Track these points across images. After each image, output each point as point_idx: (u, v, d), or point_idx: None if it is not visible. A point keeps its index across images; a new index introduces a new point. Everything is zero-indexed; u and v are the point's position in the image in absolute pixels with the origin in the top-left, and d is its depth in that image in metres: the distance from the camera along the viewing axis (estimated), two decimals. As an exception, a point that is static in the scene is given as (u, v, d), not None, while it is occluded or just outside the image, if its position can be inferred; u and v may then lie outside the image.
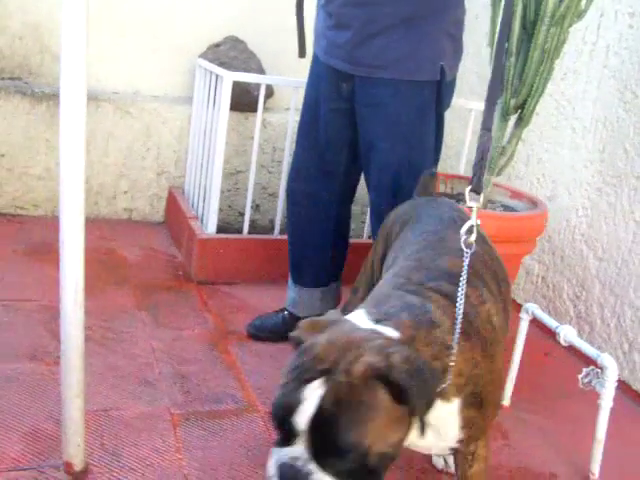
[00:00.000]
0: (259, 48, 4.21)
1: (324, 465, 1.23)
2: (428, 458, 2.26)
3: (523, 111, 2.91)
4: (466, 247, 1.60)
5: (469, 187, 1.75)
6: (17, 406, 2.26)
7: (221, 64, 3.82)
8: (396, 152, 2.52)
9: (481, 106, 3.58)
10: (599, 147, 3.18)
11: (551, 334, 2.48)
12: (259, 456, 2.18)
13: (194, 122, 3.98)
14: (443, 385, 1.39)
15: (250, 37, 4.21)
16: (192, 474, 2.05)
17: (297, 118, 2.92)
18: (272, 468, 1.26)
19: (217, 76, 3.48)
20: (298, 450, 1.24)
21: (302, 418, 1.23)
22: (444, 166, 3.99)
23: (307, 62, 2.79)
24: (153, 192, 4.16)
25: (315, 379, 1.24)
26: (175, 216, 3.94)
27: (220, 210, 3.69)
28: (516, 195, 3.19)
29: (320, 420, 1.22)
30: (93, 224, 3.98)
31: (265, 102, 4.18)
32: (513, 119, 2.96)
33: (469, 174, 2.01)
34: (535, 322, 2.59)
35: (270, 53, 4.21)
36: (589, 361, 2.29)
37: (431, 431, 1.40)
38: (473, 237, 1.63)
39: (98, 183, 4.03)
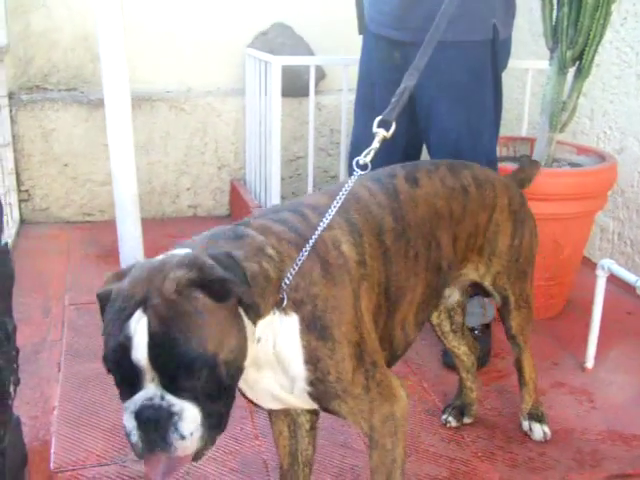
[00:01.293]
0: (306, 32, 4.17)
1: (179, 393, 1.19)
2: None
3: (581, 62, 2.78)
4: (357, 167, 1.60)
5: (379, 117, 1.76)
6: (97, 404, 2.31)
7: (270, 51, 3.80)
8: (454, 115, 2.45)
9: (537, 64, 3.48)
10: (667, 91, 3.02)
11: (632, 291, 2.37)
12: (339, 437, 2.16)
13: (248, 112, 3.98)
14: (281, 297, 1.31)
15: (297, 22, 4.17)
16: (271, 459, 2.05)
17: (350, 98, 2.88)
18: (129, 420, 1.20)
19: (266, 63, 3.46)
20: (149, 390, 1.19)
21: (139, 353, 1.17)
22: (505, 129, 3.87)
23: (356, 41, 2.74)
24: (215, 186, 4.19)
25: (134, 313, 1.18)
26: (239, 208, 3.96)
27: (283, 197, 3.68)
28: (583, 151, 3.07)
29: (156, 345, 1.16)
30: (159, 224, 4.04)
31: (317, 85, 4.15)
32: (572, 72, 2.84)
33: (531, 135, 1.98)
34: (614, 279, 2.47)
35: (317, 36, 4.17)
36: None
37: (275, 361, 1.35)
38: (367, 158, 1.62)
39: (160, 183, 4.09)
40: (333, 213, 1.46)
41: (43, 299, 3.07)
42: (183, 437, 1.19)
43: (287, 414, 1.64)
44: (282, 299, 1.32)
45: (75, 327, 2.83)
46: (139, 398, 1.19)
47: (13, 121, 3.82)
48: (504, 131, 3.65)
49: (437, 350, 2.65)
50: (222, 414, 1.26)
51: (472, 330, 2.51)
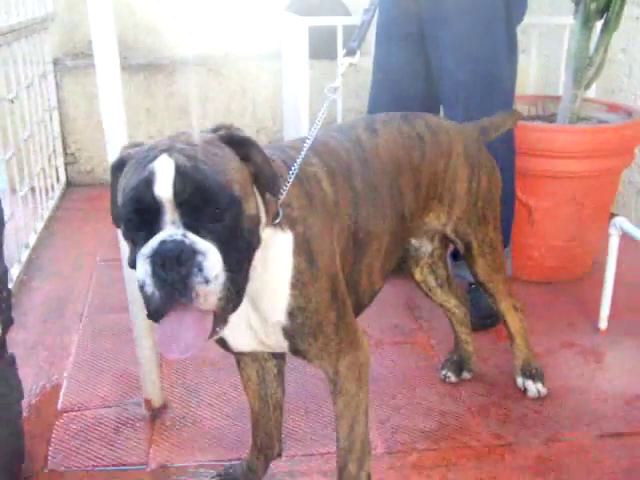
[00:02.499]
0: (345, -7, 4.15)
1: (203, 235, 1.13)
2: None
3: (608, 15, 2.68)
4: (328, 92, 1.71)
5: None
6: (108, 351, 2.42)
7: (307, 13, 3.80)
8: (466, 68, 2.43)
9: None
10: None
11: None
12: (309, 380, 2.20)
13: (285, 75, 4.01)
14: (277, 211, 1.32)
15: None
16: (266, 406, 2.11)
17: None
18: (143, 266, 1.12)
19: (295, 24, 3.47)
20: (170, 229, 1.12)
21: (163, 186, 1.11)
22: (539, 87, 3.76)
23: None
24: (254, 149, 4.24)
25: (158, 156, 1.14)
26: (275, 170, 4.00)
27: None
28: (613, 108, 2.97)
29: (183, 178, 1.12)
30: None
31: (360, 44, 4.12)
32: (599, 26, 2.74)
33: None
34: (629, 239, 2.40)
35: (356, -4, 4.15)
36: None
37: (262, 284, 1.33)
38: (335, 84, 1.75)
39: (200, 146, 4.17)
40: (308, 147, 1.48)
41: (77, 255, 3.21)
42: (207, 280, 1.12)
43: (255, 360, 1.68)
44: (278, 213, 1.33)
45: (101, 282, 2.95)
46: (158, 237, 1.12)
47: (58, 86, 3.97)
48: (537, 89, 3.57)
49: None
50: (240, 278, 1.20)
51: (471, 285, 2.50)
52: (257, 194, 1.27)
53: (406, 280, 2.68)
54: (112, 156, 1.86)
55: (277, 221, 1.33)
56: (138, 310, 1.99)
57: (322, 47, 3.66)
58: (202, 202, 1.13)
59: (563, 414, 2.08)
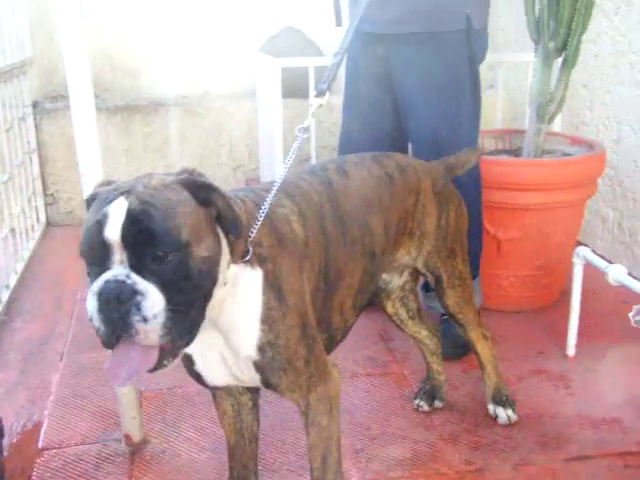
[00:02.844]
0: (317, 35, 4.28)
1: (146, 276, 1.21)
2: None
3: (566, 53, 2.80)
4: (298, 132, 1.74)
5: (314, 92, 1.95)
6: (89, 389, 2.46)
7: (279, 55, 3.91)
8: (431, 105, 2.53)
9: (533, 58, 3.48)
10: (662, 80, 3.01)
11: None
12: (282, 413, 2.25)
13: (260, 113, 4.11)
14: (247, 248, 1.40)
15: (307, 25, 4.28)
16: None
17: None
18: (91, 301, 1.21)
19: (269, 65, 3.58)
20: (117, 269, 1.21)
21: (112, 229, 1.20)
22: (506, 121, 3.89)
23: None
24: (231, 187, 4.31)
25: (116, 199, 1.23)
26: (253, 207, 4.07)
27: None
28: (576, 142, 3.09)
29: (131, 222, 1.20)
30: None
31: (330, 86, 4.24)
32: (559, 63, 2.87)
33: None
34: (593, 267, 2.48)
35: (328, 39, 4.26)
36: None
37: (230, 319, 1.40)
38: (305, 124, 1.75)
39: (178, 184, 4.24)
40: (277, 188, 1.54)
41: (57, 295, 3.25)
42: (146, 319, 1.21)
43: (230, 394, 1.73)
44: (248, 250, 1.40)
45: (83, 320, 2.98)
46: (104, 277, 1.21)
47: (38, 129, 4.04)
48: (516, 125, 3.69)
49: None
50: (190, 316, 1.28)
51: (442, 316, 2.57)
52: (221, 235, 1.34)
53: (380, 312, 2.75)
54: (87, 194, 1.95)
55: (247, 259, 1.40)
56: (117, 347, 2.04)
57: (295, 86, 3.77)
58: (146, 245, 1.21)
59: (532, 439, 2.14)
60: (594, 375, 2.48)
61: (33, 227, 3.88)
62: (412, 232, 1.93)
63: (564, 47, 2.79)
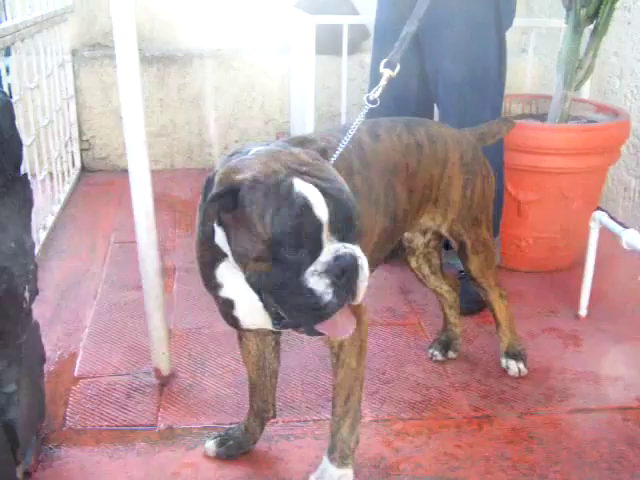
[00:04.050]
0: (352, -9, 4.31)
1: (351, 242, 1.37)
2: (491, 363, 2.36)
3: (597, 20, 2.83)
4: (368, 102, 1.88)
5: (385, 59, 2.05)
6: (121, 325, 2.60)
7: (315, 11, 3.96)
8: (459, 70, 2.59)
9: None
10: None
11: None
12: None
13: (293, 69, 4.18)
14: None
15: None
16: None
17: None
18: (321, 281, 1.32)
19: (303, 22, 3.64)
20: (333, 245, 1.34)
21: (320, 210, 1.32)
22: (536, 86, 3.92)
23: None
24: (262, 139, 4.42)
25: (292, 181, 1.34)
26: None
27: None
28: (601, 109, 3.13)
29: (331, 201, 1.33)
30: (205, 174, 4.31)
31: (361, 43, 4.30)
32: (589, 30, 2.90)
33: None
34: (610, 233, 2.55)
35: (363, -6, 4.31)
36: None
37: None
38: (376, 94, 1.90)
39: (210, 135, 4.35)
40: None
41: (92, 237, 3.40)
42: (366, 277, 1.38)
43: (256, 334, 1.84)
44: None
45: (115, 262, 3.14)
46: (329, 252, 1.33)
47: (76, 76, 4.15)
48: (545, 90, 3.72)
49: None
50: None
51: (460, 272, 2.66)
52: None
53: (401, 267, 2.87)
54: (130, 142, 2.05)
55: None
56: (150, 286, 2.17)
57: (328, 43, 3.82)
58: (347, 218, 1.36)
59: (539, 391, 2.25)
60: (603, 335, 2.58)
61: (69, 171, 4.01)
62: (437, 200, 2.02)
63: (595, 15, 2.82)
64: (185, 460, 1.93)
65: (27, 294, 1.83)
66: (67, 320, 2.65)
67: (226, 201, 1.36)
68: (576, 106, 3.10)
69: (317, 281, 1.32)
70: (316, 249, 1.33)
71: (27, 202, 1.90)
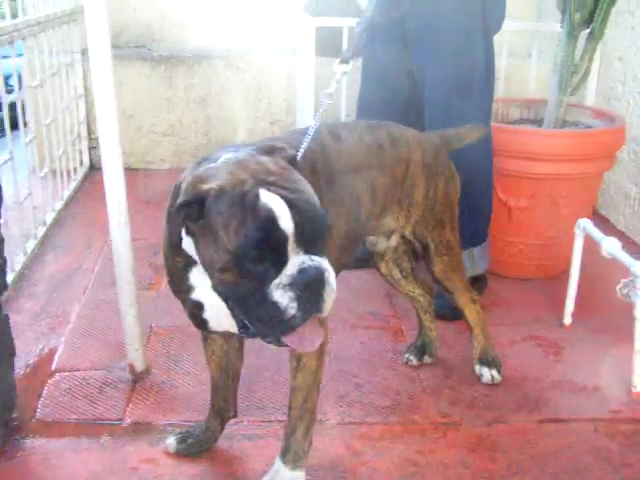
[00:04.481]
0: (360, -7, 4.30)
1: (319, 255, 1.36)
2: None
3: (593, 25, 2.79)
4: (323, 98, 1.89)
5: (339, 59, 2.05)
6: (105, 322, 2.64)
7: (320, 13, 3.97)
8: (445, 71, 2.58)
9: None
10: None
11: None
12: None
13: (298, 71, 4.18)
14: None
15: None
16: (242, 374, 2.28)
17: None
18: (285, 294, 1.31)
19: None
20: (298, 257, 1.32)
21: (285, 222, 1.31)
22: (540, 91, 3.87)
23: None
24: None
25: (258, 192, 1.32)
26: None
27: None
28: (599, 114, 3.08)
29: (297, 212, 1.32)
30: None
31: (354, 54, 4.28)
32: (585, 35, 2.86)
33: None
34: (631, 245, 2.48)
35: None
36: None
37: None
38: (330, 90, 1.90)
39: (216, 135, 4.38)
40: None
41: (89, 234, 3.45)
42: (332, 290, 1.37)
43: (221, 336, 1.85)
44: None
45: (109, 259, 3.17)
46: (293, 265, 1.32)
47: (85, 75, 4.21)
48: (524, 92, 3.68)
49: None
50: None
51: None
52: None
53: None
54: (103, 141, 2.10)
55: None
56: (123, 284, 2.21)
57: (333, 45, 3.82)
58: (315, 230, 1.35)
59: (511, 399, 2.23)
60: (585, 345, 2.54)
61: (75, 169, 4.08)
62: (400, 201, 2.02)
63: (590, 19, 2.78)
64: (146, 456, 1.96)
65: (-6, 288, 1.88)
66: (53, 315, 2.69)
67: (192, 210, 1.36)
68: (575, 112, 3.06)
69: (281, 294, 1.32)
70: (281, 261, 1.32)
71: (-3, 199, 1.95)
